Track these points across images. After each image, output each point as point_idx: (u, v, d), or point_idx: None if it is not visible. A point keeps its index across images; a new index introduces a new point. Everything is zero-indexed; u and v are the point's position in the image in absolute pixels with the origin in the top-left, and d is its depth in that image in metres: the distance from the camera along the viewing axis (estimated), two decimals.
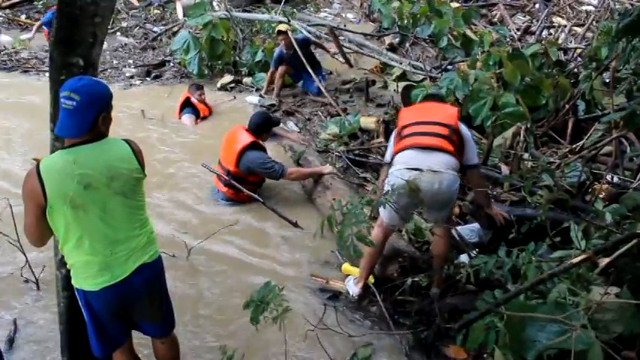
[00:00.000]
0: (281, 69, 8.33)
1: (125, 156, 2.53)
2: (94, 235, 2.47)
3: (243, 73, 9.48)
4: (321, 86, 7.95)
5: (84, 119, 2.38)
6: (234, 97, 8.44)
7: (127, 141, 2.59)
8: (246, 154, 5.20)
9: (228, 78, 9.12)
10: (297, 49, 8.03)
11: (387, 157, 4.05)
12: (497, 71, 6.36)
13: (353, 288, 4.08)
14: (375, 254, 3.96)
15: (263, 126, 5.41)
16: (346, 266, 4.34)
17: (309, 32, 9.33)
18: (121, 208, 2.51)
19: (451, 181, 3.68)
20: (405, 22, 10.46)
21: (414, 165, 3.68)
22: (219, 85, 8.88)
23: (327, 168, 5.42)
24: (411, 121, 3.93)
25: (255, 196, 5.24)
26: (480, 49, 8.82)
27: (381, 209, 3.86)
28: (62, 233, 2.47)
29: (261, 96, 8.38)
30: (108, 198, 2.46)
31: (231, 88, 8.94)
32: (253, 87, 8.95)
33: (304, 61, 7.98)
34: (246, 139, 5.25)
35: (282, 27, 8.37)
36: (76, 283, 2.59)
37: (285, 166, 5.25)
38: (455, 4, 10.85)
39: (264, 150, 5.35)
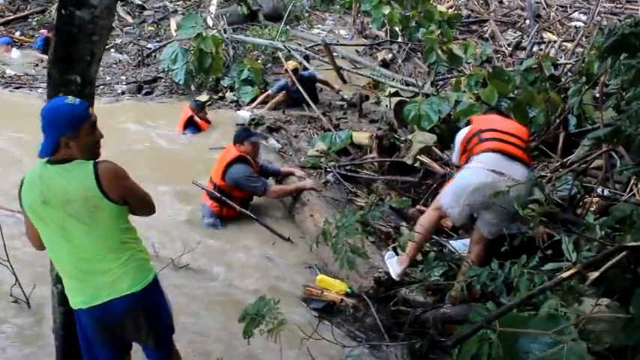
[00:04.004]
0: (281, 95, 8.59)
1: (83, 181, 2.40)
2: (61, 249, 2.50)
3: (225, 89, 9.58)
4: (318, 112, 8.08)
5: (47, 141, 2.40)
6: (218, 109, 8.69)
7: (96, 164, 2.43)
8: (233, 167, 5.33)
9: (204, 97, 9.23)
10: (299, 86, 8.31)
11: (455, 160, 4.27)
12: (476, 92, 6.39)
13: (395, 267, 4.13)
14: (424, 236, 4.11)
15: (240, 134, 5.60)
16: (322, 277, 4.36)
17: (307, 57, 9.51)
18: (80, 233, 2.44)
19: (527, 196, 3.77)
20: (396, 27, 10.52)
21: (498, 169, 3.78)
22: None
23: (309, 183, 5.52)
24: (489, 127, 4.06)
25: (245, 210, 5.32)
26: (467, 64, 8.92)
27: (445, 195, 4.02)
28: (43, 241, 2.54)
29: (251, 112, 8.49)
30: (64, 219, 2.42)
31: (209, 105, 9.01)
32: (236, 101, 9.06)
33: (305, 96, 8.22)
34: (233, 152, 5.42)
35: (292, 65, 8.64)
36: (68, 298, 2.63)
37: (268, 184, 5.40)
38: (442, 8, 10.95)
39: (251, 165, 5.43)
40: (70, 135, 2.39)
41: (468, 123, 4.42)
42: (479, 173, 3.84)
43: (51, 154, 2.42)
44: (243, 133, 5.57)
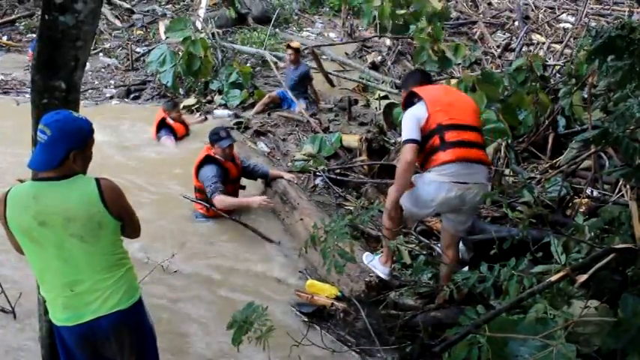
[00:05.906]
0: (267, 97, 8.63)
1: (87, 197, 2.39)
2: (52, 270, 2.45)
3: (213, 92, 9.55)
4: (300, 108, 8.07)
5: (53, 155, 2.35)
6: (205, 118, 8.55)
7: (98, 180, 2.44)
8: (201, 168, 5.37)
9: (192, 100, 9.20)
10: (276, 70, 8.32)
11: (414, 136, 3.75)
12: None
13: (381, 269, 4.10)
14: (397, 231, 4.04)
15: (210, 136, 5.52)
16: (311, 282, 4.33)
17: None
18: (79, 252, 2.41)
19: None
20: (386, 21, 10.48)
21: (462, 179, 3.69)
22: (181, 105, 8.89)
23: (258, 199, 5.31)
24: (448, 118, 3.74)
25: (224, 213, 5.27)
26: (457, 65, 8.95)
27: (405, 199, 3.88)
28: (29, 261, 2.48)
29: (235, 114, 8.50)
30: (64, 239, 2.38)
31: (196, 109, 9.00)
32: (224, 104, 9.05)
33: (281, 79, 8.24)
34: (202, 153, 5.44)
35: (295, 44, 8.71)
36: (49, 313, 2.59)
37: (218, 192, 5.19)
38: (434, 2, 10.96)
39: (220, 165, 5.36)
40: (79, 149, 2.40)
41: (411, 95, 3.93)
42: (442, 188, 3.70)
43: (53, 168, 2.37)
44: (213, 137, 5.45)
